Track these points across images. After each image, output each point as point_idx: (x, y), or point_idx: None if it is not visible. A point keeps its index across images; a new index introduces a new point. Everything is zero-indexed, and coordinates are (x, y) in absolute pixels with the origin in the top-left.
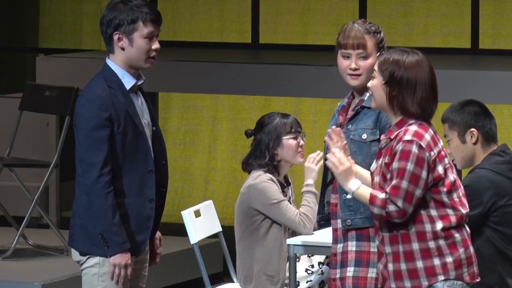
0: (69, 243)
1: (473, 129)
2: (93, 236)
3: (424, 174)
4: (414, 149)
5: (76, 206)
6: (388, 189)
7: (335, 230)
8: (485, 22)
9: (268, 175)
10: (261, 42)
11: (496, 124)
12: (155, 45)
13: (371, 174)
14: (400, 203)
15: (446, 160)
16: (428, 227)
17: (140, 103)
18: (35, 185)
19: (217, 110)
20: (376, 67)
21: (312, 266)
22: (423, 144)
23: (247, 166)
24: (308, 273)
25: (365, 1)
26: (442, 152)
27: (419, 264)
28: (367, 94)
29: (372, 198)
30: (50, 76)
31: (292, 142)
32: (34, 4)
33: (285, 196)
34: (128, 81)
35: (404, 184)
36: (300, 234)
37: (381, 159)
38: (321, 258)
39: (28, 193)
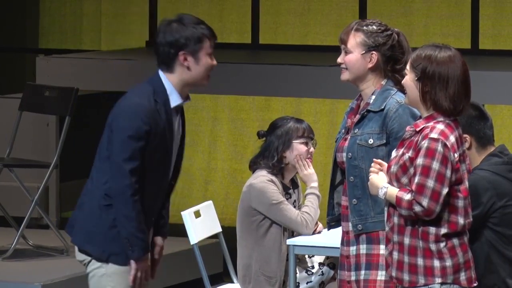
0: (67, 229)
1: (465, 135)
2: (90, 234)
3: (448, 173)
4: (440, 147)
5: (83, 198)
6: (413, 187)
7: (346, 233)
8: (485, 22)
9: (269, 176)
10: (261, 42)
11: (492, 125)
12: (215, 61)
13: (389, 162)
14: (425, 202)
15: (465, 164)
16: (432, 229)
17: (178, 123)
18: (35, 185)
19: (217, 111)
20: (408, 64)
21: (312, 267)
22: (448, 143)
23: (254, 165)
24: (308, 274)
25: (365, 1)
26: (465, 154)
27: (420, 261)
28: (373, 97)
29: (398, 200)
30: (50, 76)
31: (303, 147)
32: (34, 4)
33: (289, 198)
34: (175, 99)
35: (430, 183)
36: (300, 234)
37: (402, 150)
38: (321, 258)
39: (28, 193)
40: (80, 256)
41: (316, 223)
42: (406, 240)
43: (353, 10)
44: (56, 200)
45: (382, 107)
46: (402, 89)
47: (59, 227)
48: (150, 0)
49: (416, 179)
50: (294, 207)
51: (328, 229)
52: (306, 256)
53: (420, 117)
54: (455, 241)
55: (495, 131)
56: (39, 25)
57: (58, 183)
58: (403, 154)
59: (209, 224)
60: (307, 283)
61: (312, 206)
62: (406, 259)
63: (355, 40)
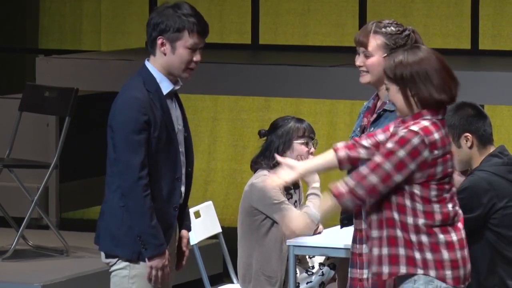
0: (94, 241)
1: (467, 134)
2: (116, 237)
3: (412, 166)
4: (415, 140)
5: (103, 207)
6: (370, 163)
7: (359, 231)
8: (485, 22)
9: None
10: (261, 43)
11: (490, 123)
12: (196, 57)
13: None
14: (374, 179)
15: (449, 164)
16: (410, 219)
17: (174, 108)
18: (34, 186)
19: (217, 111)
20: (385, 78)
21: (313, 267)
22: (426, 140)
23: (255, 164)
24: (308, 274)
25: (365, 1)
26: (448, 155)
27: (401, 251)
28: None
29: (336, 192)
30: (50, 77)
31: (303, 148)
32: (34, 4)
33: (290, 198)
34: (166, 86)
35: (388, 165)
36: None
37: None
38: (322, 259)
39: (28, 194)
40: (105, 259)
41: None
42: (385, 233)
43: (353, 11)
44: (56, 201)
45: None
46: None
47: (59, 227)
48: (150, 1)
49: (377, 158)
50: (295, 207)
51: (341, 227)
52: (307, 257)
53: None
54: (441, 237)
55: (494, 132)
56: (39, 25)
57: (58, 184)
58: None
59: (209, 224)
60: (307, 283)
61: (313, 207)
62: (385, 251)
63: (375, 43)
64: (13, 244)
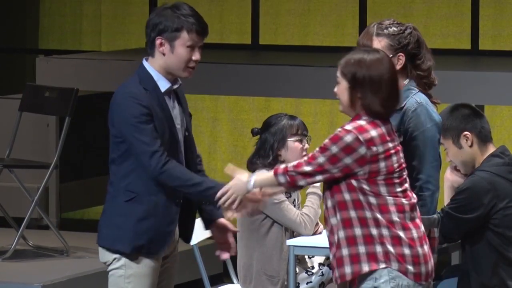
0: (97, 240)
1: (466, 132)
2: (116, 232)
3: (347, 160)
4: (348, 137)
5: (105, 206)
6: (309, 156)
7: None
8: (485, 23)
9: None
10: (261, 43)
11: (487, 122)
12: (196, 56)
13: None
14: (308, 168)
15: (395, 159)
16: (368, 213)
17: (173, 106)
18: (35, 186)
19: (217, 111)
20: (338, 72)
21: (312, 267)
22: (361, 137)
23: (252, 165)
24: (308, 274)
25: (365, 2)
26: (393, 150)
27: (361, 249)
28: None
29: (275, 169)
30: (50, 77)
31: (297, 145)
32: (34, 4)
33: (289, 197)
34: (163, 84)
35: (321, 159)
36: (300, 234)
37: None
38: (321, 259)
39: (28, 194)
40: (104, 258)
41: (317, 223)
42: (342, 234)
43: (353, 11)
44: (56, 201)
45: (402, 105)
46: (423, 90)
47: (59, 227)
48: (150, 1)
49: (312, 153)
50: (294, 205)
51: None
52: (306, 257)
53: (431, 118)
54: (402, 236)
55: (494, 132)
56: (39, 26)
57: (58, 184)
58: None
59: None
60: (307, 283)
61: (312, 207)
62: (345, 252)
63: (380, 45)
64: (13, 244)
